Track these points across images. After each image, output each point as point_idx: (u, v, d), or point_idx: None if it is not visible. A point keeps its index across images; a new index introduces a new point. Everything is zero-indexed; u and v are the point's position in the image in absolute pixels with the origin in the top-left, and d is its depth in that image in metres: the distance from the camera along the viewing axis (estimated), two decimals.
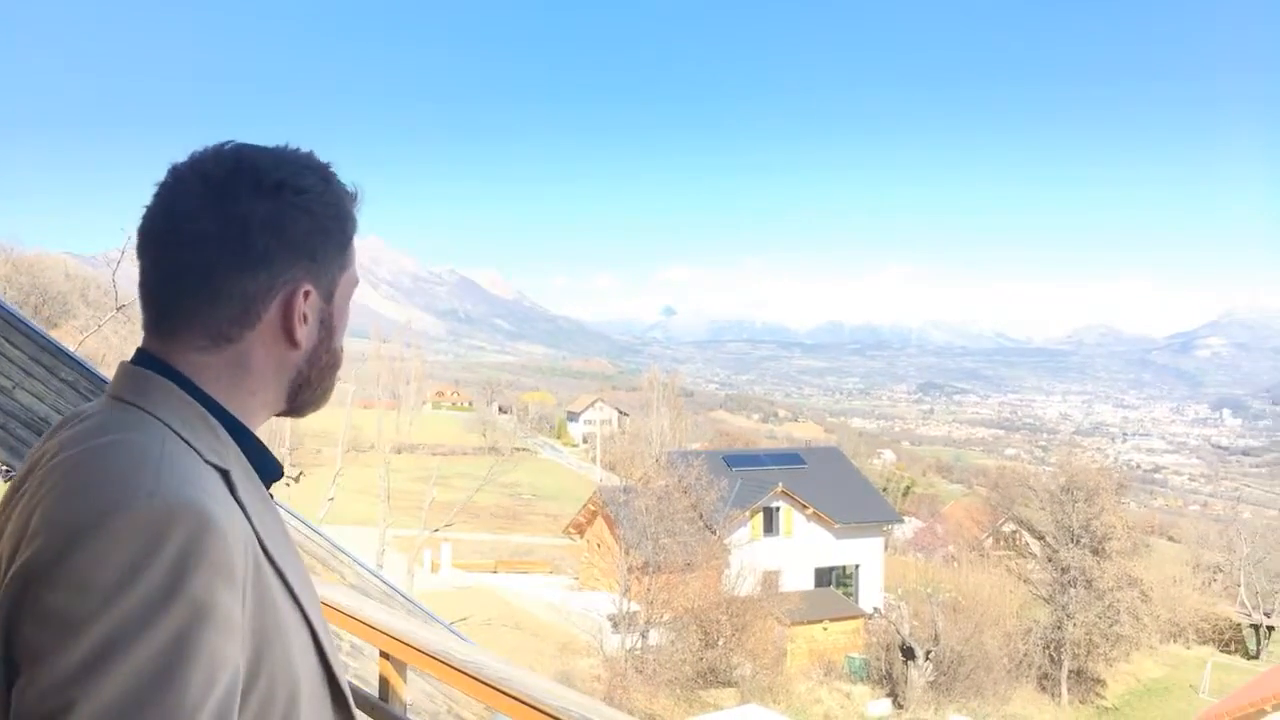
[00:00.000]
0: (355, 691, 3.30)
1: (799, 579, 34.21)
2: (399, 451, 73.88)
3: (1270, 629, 41.45)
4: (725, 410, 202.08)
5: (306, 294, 1.08)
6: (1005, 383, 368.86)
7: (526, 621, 30.46)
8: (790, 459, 40.04)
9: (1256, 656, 40.15)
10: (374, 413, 58.23)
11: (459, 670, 2.50)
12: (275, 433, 49.18)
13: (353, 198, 1.14)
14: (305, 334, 1.09)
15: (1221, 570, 47.25)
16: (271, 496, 1.09)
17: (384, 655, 2.92)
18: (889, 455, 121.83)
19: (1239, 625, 42.70)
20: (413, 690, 4.11)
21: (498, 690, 2.37)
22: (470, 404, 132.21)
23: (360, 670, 4.28)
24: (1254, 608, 41.90)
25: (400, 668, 2.90)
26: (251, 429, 1.08)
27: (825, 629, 31.17)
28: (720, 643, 27.20)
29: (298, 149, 1.10)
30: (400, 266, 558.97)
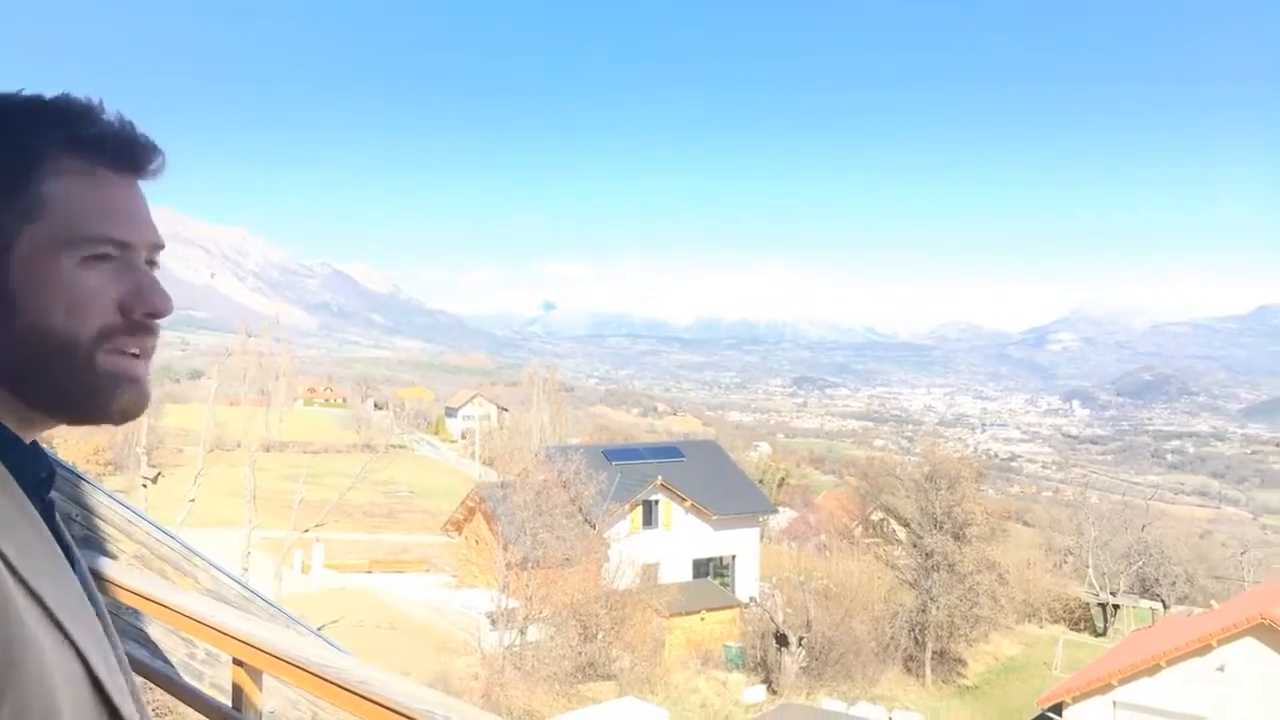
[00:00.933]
0: (206, 702, 3.13)
1: (677, 571, 34.61)
2: (268, 450, 71.22)
3: (1116, 608, 44.19)
4: (605, 405, 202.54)
5: None
6: (874, 376, 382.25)
7: (402, 622, 29.83)
8: (669, 452, 40.43)
9: (1103, 634, 42.75)
10: (240, 410, 56.04)
11: (317, 675, 2.39)
12: (131, 431, 46.72)
13: (44, 112, 0.87)
14: None
15: (1072, 553, 50.11)
16: (49, 509, 0.90)
17: (237, 662, 2.76)
18: (765, 447, 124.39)
19: (1088, 604, 45.37)
20: (276, 698, 3.94)
21: (359, 695, 2.26)
22: (344, 400, 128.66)
23: (216, 678, 4.07)
24: (1101, 588, 44.57)
25: (255, 675, 2.76)
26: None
27: (703, 619, 31.61)
28: (599, 636, 27.26)
29: None
30: (268, 258, 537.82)
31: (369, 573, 39.07)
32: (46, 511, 0.88)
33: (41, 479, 0.89)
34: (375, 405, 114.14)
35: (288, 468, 55.04)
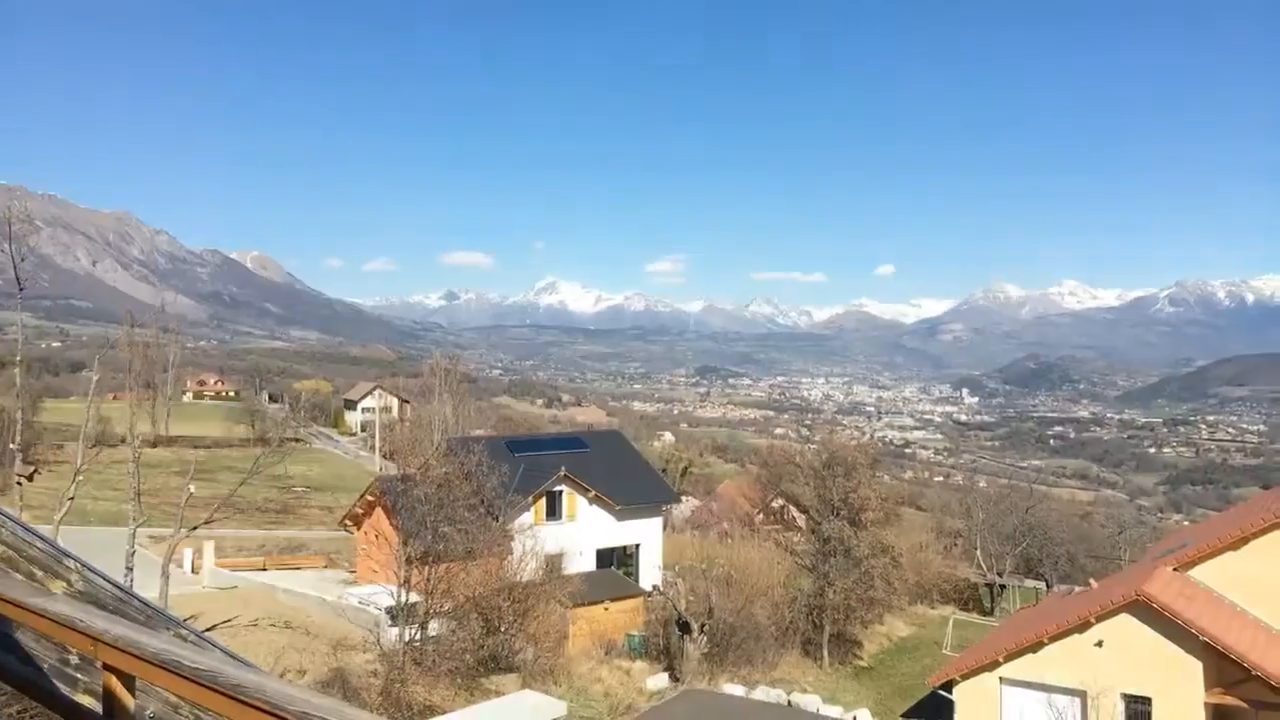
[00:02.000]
0: (77, 708, 3.00)
1: (581, 561, 34.65)
2: (155, 445, 68.57)
3: (1002, 587, 46.10)
4: (509, 396, 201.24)
5: None
6: (775, 366, 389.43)
7: (299, 619, 29.08)
8: (573, 443, 40.40)
9: (991, 613, 44.56)
10: (126, 403, 53.64)
11: (190, 679, 2.31)
12: (4, 426, 44.26)
13: None
14: None
15: (961, 535, 52.05)
16: None
17: (108, 667, 2.66)
18: (668, 437, 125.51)
19: (976, 585, 47.21)
20: (159, 702, 3.80)
21: (233, 698, 2.21)
22: (237, 393, 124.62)
23: (92, 684, 3.91)
24: (988, 569, 46.42)
25: (127, 680, 2.66)
26: None
27: (606, 609, 31.73)
28: (502, 629, 27.09)
29: None
30: (155, 245, 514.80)
31: (263, 570, 37.97)
32: None
33: None
34: (270, 398, 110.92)
35: (177, 463, 53.01)
